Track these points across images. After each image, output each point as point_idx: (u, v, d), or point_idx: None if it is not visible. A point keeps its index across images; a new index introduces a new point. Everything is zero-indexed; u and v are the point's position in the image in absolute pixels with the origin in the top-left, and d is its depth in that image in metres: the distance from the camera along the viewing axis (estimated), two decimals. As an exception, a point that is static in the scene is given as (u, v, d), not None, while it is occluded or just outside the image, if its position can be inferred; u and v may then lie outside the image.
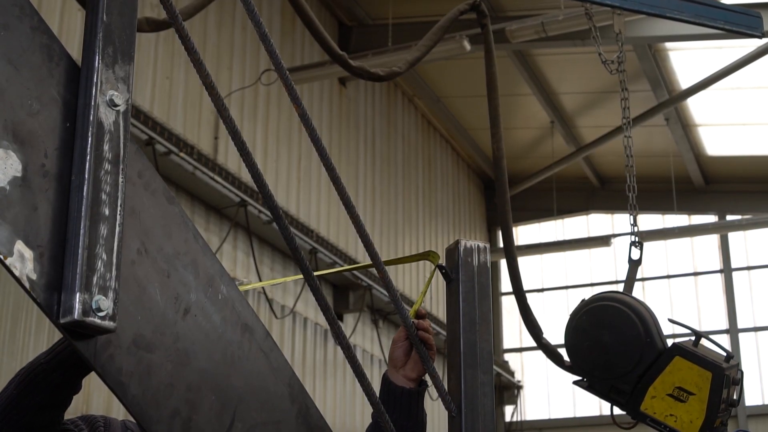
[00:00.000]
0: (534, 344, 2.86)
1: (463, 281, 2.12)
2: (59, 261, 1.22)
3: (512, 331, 16.19)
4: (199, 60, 1.46)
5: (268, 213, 9.20)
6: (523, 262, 13.86)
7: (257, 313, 1.61)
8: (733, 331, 14.86)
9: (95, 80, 1.27)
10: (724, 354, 2.67)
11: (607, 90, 12.74)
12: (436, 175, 14.49)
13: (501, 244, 3.23)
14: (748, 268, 15.19)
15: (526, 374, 16.03)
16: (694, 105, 13.14)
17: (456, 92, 13.75)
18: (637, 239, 3.23)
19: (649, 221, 15.18)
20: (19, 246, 1.18)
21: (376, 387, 2.73)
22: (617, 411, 2.72)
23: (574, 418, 15.32)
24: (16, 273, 1.18)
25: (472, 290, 2.12)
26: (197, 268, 1.44)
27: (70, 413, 1.95)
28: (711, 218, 15.26)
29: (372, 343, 11.81)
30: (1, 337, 7.00)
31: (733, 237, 15.26)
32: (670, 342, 2.69)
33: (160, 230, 1.39)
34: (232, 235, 9.48)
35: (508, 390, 15.62)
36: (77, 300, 1.20)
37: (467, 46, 9.67)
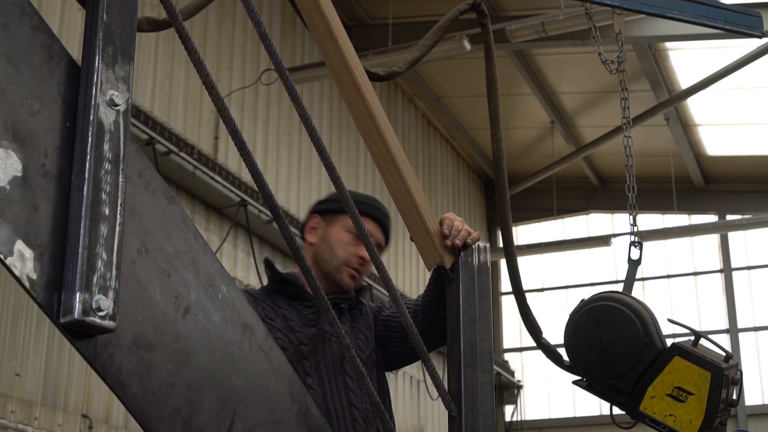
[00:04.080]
0: (534, 344, 2.86)
1: (463, 281, 2.13)
2: (59, 260, 1.22)
3: (512, 331, 16.19)
4: (200, 60, 1.46)
5: (269, 213, 9.21)
6: (523, 262, 13.89)
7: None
8: (733, 330, 14.86)
9: (95, 80, 1.27)
10: (723, 354, 2.68)
11: (607, 90, 12.74)
12: (436, 175, 14.49)
13: (501, 244, 3.24)
14: (748, 267, 15.19)
15: (526, 374, 16.03)
16: (694, 105, 13.14)
17: (456, 92, 13.75)
18: (636, 239, 3.23)
19: (649, 221, 15.17)
20: (20, 245, 1.18)
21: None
22: (617, 411, 2.72)
23: (574, 418, 15.32)
24: (17, 272, 1.18)
25: (472, 290, 2.12)
26: (197, 268, 1.44)
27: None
28: (711, 218, 15.26)
29: (372, 343, 11.80)
30: (1, 337, 7.01)
31: (733, 237, 15.25)
32: (669, 342, 2.69)
33: (161, 230, 1.39)
34: (233, 234, 9.48)
35: (508, 390, 15.62)
36: (77, 299, 1.20)
37: (467, 46, 9.67)
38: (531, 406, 15.81)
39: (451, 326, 2.12)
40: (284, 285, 2.59)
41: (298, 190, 10.78)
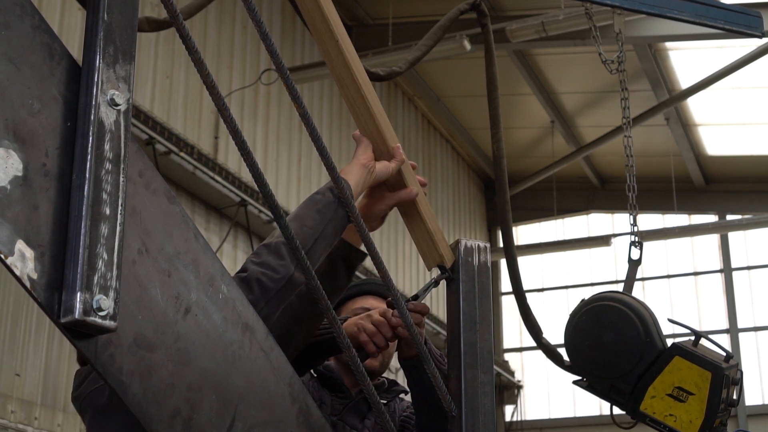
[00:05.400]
0: (534, 344, 2.86)
1: (463, 281, 2.12)
2: (60, 260, 1.22)
3: (512, 331, 16.19)
4: (200, 59, 1.46)
5: (269, 212, 9.21)
6: (523, 262, 13.90)
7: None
8: (733, 330, 14.86)
9: (96, 79, 1.27)
10: (724, 354, 2.67)
11: (607, 90, 12.74)
12: (436, 175, 14.49)
13: (501, 244, 3.23)
14: (748, 267, 15.20)
15: (526, 374, 16.03)
16: (694, 105, 13.14)
17: (456, 92, 13.75)
18: (637, 239, 3.22)
19: (649, 221, 15.18)
20: (20, 245, 1.18)
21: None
22: (617, 411, 2.72)
23: (574, 418, 15.32)
24: (17, 272, 1.18)
25: (473, 290, 2.11)
26: (198, 268, 1.44)
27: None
28: (711, 218, 15.27)
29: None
30: (1, 337, 7.01)
31: (733, 237, 15.26)
32: (669, 342, 2.69)
33: (161, 230, 1.39)
34: (233, 234, 9.49)
35: (508, 390, 15.62)
36: (78, 299, 1.20)
37: (467, 45, 9.67)
38: (531, 406, 15.81)
39: (451, 326, 2.11)
40: (322, 378, 2.59)
41: (298, 190, 10.78)
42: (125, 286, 1.29)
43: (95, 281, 1.22)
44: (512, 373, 15.65)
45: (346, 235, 2.20)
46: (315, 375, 2.62)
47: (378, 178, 2.13)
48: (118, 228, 1.26)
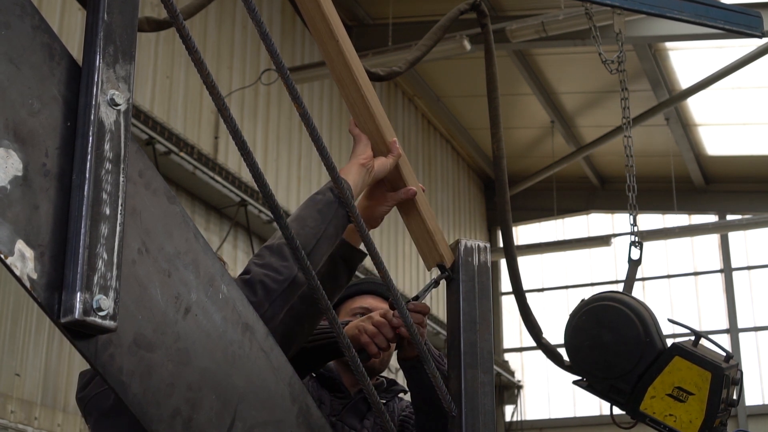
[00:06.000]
0: (534, 344, 2.86)
1: (463, 281, 2.12)
2: (60, 260, 1.22)
3: (512, 331, 16.19)
4: (200, 59, 1.46)
5: (269, 212, 9.21)
6: (523, 262, 13.90)
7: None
8: (733, 331, 14.86)
9: (96, 79, 1.27)
10: (724, 354, 2.67)
11: (607, 90, 12.74)
12: (436, 175, 14.48)
13: (501, 244, 3.23)
14: (748, 267, 15.19)
15: (526, 374, 16.03)
16: (695, 105, 13.14)
17: (456, 92, 13.74)
18: (637, 239, 3.22)
19: (649, 221, 15.18)
20: (20, 245, 1.18)
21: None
22: (617, 411, 2.72)
23: (574, 418, 15.32)
24: (17, 272, 1.18)
25: (473, 290, 2.12)
26: (198, 268, 1.44)
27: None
28: (711, 218, 15.27)
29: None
30: (1, 337, 7.01)
31: (733, 237, 15.26)
32: (669, 342, 2.69)
33: (161, 229, 1.39)
34: (233, 234, 9.48)
35: (508, 390, 15.62)
36: (78, 299, 1.20)
37: (467, 45, 9.67)
38: (531, 406, 15.81)
39: (451, 326, 2.11)
40: (321, 378, 2.59)
41: (298, 190, 10.78)
42: (125, 286, 1.29)
43: (95, 281, 1.22)
44: (512, 373, 15.64)
45: (346, 235, 2.19)
46: (314, 375, 2.62)
47: (377, 176, 2.13)
48: (118, 228, 1.26)
